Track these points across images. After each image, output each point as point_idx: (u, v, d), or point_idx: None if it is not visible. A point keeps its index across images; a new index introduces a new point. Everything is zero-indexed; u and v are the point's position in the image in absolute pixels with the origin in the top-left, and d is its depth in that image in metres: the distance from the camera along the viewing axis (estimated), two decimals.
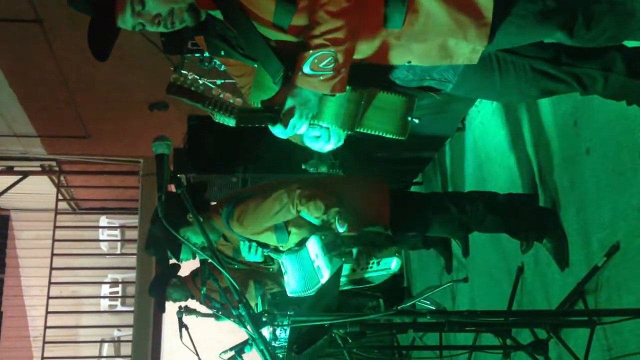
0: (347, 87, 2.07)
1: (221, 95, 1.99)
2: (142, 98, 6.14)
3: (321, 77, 1.95)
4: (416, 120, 2.30)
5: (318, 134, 2.18)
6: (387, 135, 2.26)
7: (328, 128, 2.17)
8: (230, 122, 2.02)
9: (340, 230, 3.03)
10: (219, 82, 4.80)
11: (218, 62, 4.32)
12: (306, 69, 1.93)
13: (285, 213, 3.20)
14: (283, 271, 3.40)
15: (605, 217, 2.87)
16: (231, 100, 2.00)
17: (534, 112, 3.61)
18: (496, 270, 4.11)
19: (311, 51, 1.91)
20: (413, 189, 5.87)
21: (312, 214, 3.16)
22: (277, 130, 2.06)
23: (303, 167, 3.40)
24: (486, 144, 4.40)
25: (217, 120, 2.03)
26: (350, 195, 3.34)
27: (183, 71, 1.96)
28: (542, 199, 3.52)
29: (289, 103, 2.00)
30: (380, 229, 3.25)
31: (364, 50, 2.06)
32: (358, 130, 2.22)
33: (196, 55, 4.47)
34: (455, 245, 4.84)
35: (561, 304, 3.04)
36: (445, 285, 4.83)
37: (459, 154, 4.93)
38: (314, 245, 3.12)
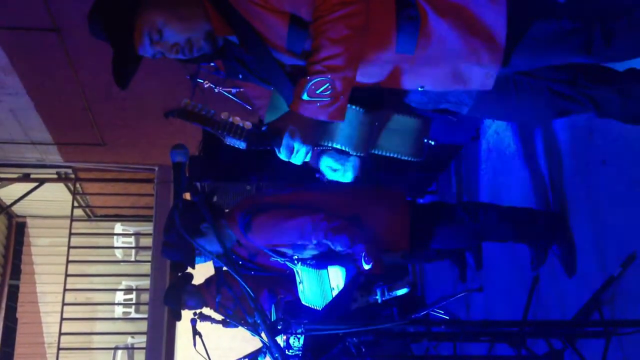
0: (361, 110, 2.05)
1: (230, 119, 1.98)
2: (157, 106, 6.18)
3: (318, 104, 1.92)
4: (432, 142, 2.29)
5: (335, 168, 2.19)
6: (403, 157, 2.26)
7: (345, 163, 2.17)
8: (241, 145, 2.01)
9: (365, 267, 3.02)
10: (234, 90, 4.82)
11: None
12: (304, 95, 1.91)
13: (306, 241, 3.21)
14: (297, 280, 3.40)
15: (621, 228, 2.85)
16: (240, 124, 1.99)
17: (550, 122, 3.59)
18: (511, 280, 4.09)
19: (309, 77, 1.90)
20: (427, 197, 5.85)
21: (337, 247, 3.14)
22: (282, 155, 2.06)
23: (317, 175, 3.37)
24: (501, 153, 4.39)
25: (228, 143, 2.02)
26: (370, 216, 3.32)
27: (193, 102, 1.96)
28: (557, 209, 3.50)
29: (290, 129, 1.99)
30: (398, 257, 3.23)
31: (377, 74, 2.05)
32: (373, 152, 2.22)
33: (211, 64, 4.48)
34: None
35: (577, 314, 3.02)
36: (459, 295, 4.81)
37: (474, 162, 4.91)
38: (336, 276, 3.14)
